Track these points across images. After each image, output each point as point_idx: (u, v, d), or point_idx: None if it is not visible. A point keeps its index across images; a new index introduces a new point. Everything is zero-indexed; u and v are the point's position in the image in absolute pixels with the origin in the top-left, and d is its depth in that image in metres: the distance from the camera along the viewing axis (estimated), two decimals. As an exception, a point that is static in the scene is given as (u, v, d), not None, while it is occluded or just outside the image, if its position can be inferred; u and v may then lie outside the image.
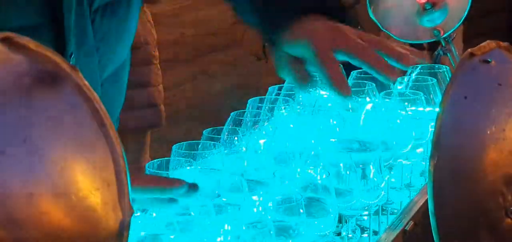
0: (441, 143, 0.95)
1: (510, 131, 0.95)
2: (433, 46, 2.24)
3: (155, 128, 3.25)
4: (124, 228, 0.73)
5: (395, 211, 1.66)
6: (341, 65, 1.98)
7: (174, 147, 1.40)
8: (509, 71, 0.98)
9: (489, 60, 0.97)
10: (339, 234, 1.48)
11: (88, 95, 0.75)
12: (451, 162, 0.96)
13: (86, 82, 0.76)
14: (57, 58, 0.76)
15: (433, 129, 0.98)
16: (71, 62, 1.25)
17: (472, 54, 0.97)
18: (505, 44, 1.01)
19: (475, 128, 0.95)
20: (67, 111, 0.75)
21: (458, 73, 0.96)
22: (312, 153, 1.43)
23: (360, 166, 1.43)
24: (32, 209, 0.69)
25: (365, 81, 1.86)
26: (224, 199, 1.31)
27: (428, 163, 0.98)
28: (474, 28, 2.88)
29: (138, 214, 1.20)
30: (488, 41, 0.99)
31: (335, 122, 1.67)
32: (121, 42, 1.44)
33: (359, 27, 2.61)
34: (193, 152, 1.42)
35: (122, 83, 1.52)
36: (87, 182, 0.72)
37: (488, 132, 0.95)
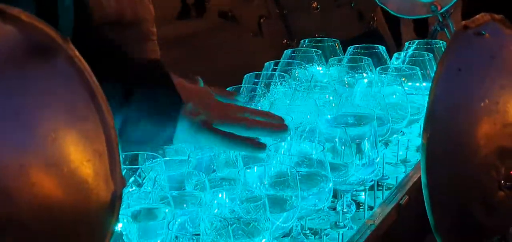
0: (434, 116, 0.95)
1: (504, 103, 0.95)
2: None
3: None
4: (116, 199, 0.73)
5: (391, 186, 1.67)
6: (338, 40, 1.99)
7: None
8: (503, 43, 0.98)
9: (483, 32, 0.97)
10: (334, 208, 1.48)
11: (80, 67, 0.75)
12: (444, 134, 0.96)
13: (78, 54, 0.76)
14: (49, 30, 0.76)
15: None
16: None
17: (466, 27, 0.97)
18: (499, 16, 1.01)
19: (469, 101, 0.95)
20: (59, 82, 0.75)
21: (452, 46, 0.96)
22: (308, 128, 1.43)
23: (356, 141, 1.43)
24: (23, 180, 0.69)
25: (362, 57, 1.86)
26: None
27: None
28: (474, 3, 2.86)
29: (133, 188, 1.20)
30: (482, 13, 0.99)
31: (331, 97, 1.67)
32: None
33: (352, 4, 2.61)
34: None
35: None
36: (79, 153, 0.72)
37: (482, 105, 0.95)
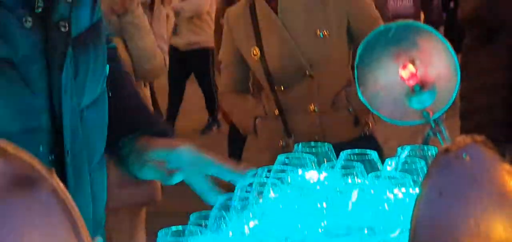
0: (417, 239, 0.95)
1: (485, 226, 0.96)
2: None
3: (151, 204, 3.22)
4: None
5: None
6: (332, 144, 2.01)
7: (159, 233, 1.41)
8: (484, 166, 1.00)
9: (464, 155, 0.98)
10: None
11: (62, 197, 0.77)
12: (427, 257, 0.97)
13: (61, 185, 0.77)
14: (33, 161, 0.78)
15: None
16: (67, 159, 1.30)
17: (447, 150, 0.98)
18: (481, 138, 1.02)
19: (450, 224, 0.96)
20: (41, 214, 0.76)
21: (433, 170, 0.97)
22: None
23: (348, 251, 1.43)
24: None
25: (354, 163, 1.88)
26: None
27: (406, 257, 0.99)
28: (472, 105, 2.90)
29: None
30: (463, 136, 1.01)
31: (324, 204, 1.67)
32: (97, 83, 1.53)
33: (350, 109, 2.63)
34: (179, 238, 1.42)
35: (103, 112, 1.57)
36: (59, 285, 0.73)
37: (463, 228, 0.96)
